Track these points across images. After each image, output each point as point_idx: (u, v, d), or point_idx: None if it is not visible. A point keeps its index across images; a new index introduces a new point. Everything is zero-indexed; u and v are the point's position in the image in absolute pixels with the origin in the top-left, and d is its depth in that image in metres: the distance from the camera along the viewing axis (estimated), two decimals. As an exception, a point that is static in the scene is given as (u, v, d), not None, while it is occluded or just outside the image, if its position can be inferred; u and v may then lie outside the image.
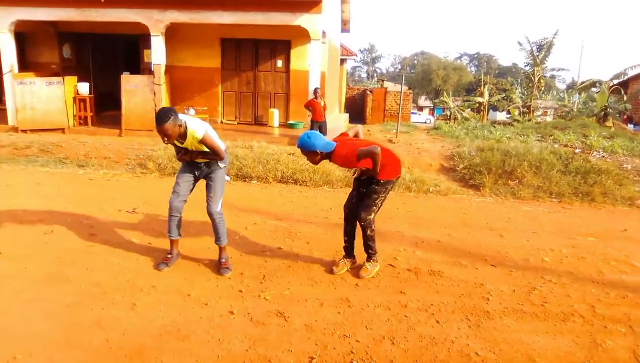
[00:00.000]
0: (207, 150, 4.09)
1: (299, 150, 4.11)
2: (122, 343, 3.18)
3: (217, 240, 4.42)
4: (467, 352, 3.24)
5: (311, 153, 4.01)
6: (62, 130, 11.57)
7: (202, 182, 4.42)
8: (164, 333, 3.32)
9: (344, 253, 4.58)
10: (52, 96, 11.46)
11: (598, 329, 3.63)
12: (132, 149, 9.75)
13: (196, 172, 4.34)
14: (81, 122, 12.23)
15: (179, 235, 4.47)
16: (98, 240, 5.00)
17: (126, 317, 3.51)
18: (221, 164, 4.32)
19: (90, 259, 4.50)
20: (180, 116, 3.94)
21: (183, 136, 3.99)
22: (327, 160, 4.10)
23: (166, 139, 3.87)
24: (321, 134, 4.10)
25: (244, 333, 3.36)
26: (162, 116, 3.76)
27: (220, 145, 4.17)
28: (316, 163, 4.11)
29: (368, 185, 4.26)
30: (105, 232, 5.26)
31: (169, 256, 4.46)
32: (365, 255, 4.47)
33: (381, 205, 4.31)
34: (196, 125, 3.99)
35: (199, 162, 4.30)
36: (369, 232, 4.28)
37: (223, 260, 4.42)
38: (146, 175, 8.37)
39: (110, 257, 4.58)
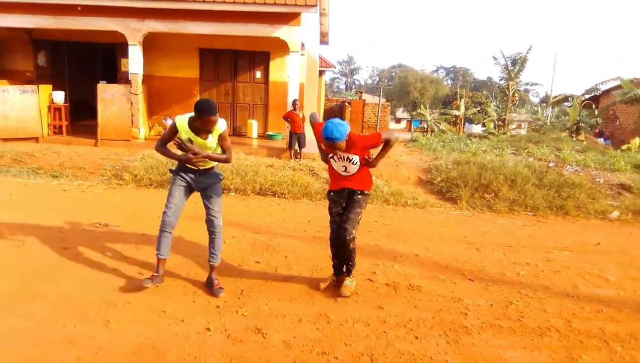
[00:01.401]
0: (216, 152, 4.05)
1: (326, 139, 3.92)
2: (95, 362, 3.09)
3: (213, 258, 4.25)
4: (446, 369, 3.24)
5: (342, 142, 3.93)
6: (36, 139, 11.34)
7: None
8: (138, 351, 3.24)
9: (332, 272, 4.50)
10: (26, 104, 11.23)
11: (574, 344, 3.66)
12: (108, 159, 9.60)
13: (193, 185, 4.17)
14: (56, 131, 12.00)
15: (168, 254, 4.23)
16: (71, 254, 4.88)
17: (100, 334, 3.42)
18: (220, 176, 4.26)
19: (63, 274, 4.38)
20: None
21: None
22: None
23: (210, 130, 3.86)
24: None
25: (221, 350, 3.31)
26: (213, 106, 3.76)
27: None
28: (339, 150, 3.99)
29: (351, 200, 4.24)
30: (79, 245, 5.14)
31: (156, 274, 4.16)
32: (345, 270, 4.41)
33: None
34: (221, 120, 3.98)
35: (197, 172, 4.13)
36: (352, 246, 4.21)
37: (216, 281, 4.24)
38: (122, 187, 8.23)
39: (84, 271, 4.47)
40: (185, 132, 3.95)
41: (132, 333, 3.46)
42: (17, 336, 3.33)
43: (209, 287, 4.24)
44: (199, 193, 4.25)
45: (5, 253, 4.80)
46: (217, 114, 3.80)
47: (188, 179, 4.15)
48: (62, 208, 6.55)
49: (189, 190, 4.21)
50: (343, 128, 3.89)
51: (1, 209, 6.29)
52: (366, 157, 4.16)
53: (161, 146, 4.07)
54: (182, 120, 3.95)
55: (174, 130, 3.97)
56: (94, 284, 4.21)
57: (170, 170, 4.27)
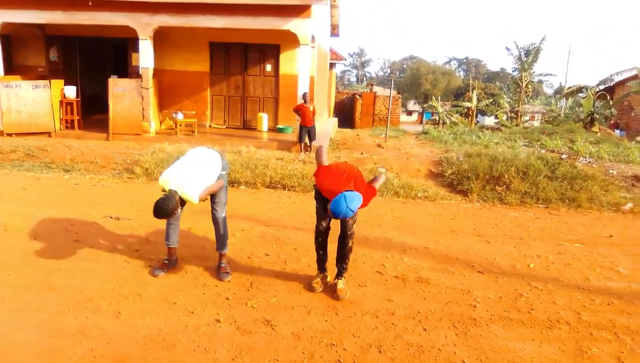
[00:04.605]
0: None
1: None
2: (107, 353, 3.14)
3: (221, 247, 4.48)
4: (454, 360, 3.25)
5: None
6: (49, 134, 11.45)
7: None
8: (149, 342, 3.28)
9: (318, 267, 4.38)
10: (38, 99, 11.35)
11: (584, 336, 3.65)
12: (119, 153, 9.67)
13: None
14: (68, 125, 12.11)
15: (177, 243, 4.48)
16: (83, 246, 4.94)
17: (111, 325, 3.47)
18: (222, 172, 4.36)
19: (75, 266, 4.44)
20: (172, 179, 3.91)
21: (182, 203, 3.97)
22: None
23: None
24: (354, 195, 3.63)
25: (231, 342, 3.34)
26: (164, 211, 3.79)
27: (213, 177, 4.20)
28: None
29: None
30: (91, 238, 5.20)
31: (167, 261, 4.44)
32: (336, 271, 4.26)
33: None
34: (191, 191, 3.89)
35: None
36: (351, 244, 4.17)
37: (223, 265, 4.46)
38: (133, 180, 8.30)
39: (95, 264, 4.53)
40: None
41: (143, 324, 3.51)
42: (32, 328, 3.39)
43: (218, 271, 4.43)
44: None
45: (19, 246, 4.87)
46: (172, 211, 3.82)
47: None
48: (74, 202, 6.62)
49: None
50: (355, 203, 3.56)
51: (15, 203, 6.38)
52: None
53: None
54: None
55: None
56: (106, 277, 4.26)
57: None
